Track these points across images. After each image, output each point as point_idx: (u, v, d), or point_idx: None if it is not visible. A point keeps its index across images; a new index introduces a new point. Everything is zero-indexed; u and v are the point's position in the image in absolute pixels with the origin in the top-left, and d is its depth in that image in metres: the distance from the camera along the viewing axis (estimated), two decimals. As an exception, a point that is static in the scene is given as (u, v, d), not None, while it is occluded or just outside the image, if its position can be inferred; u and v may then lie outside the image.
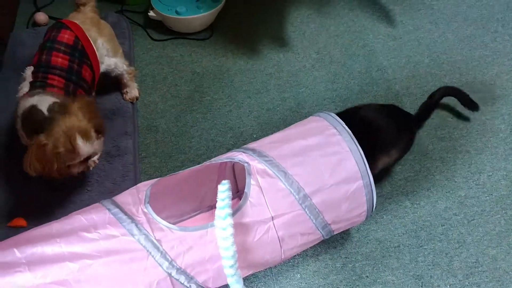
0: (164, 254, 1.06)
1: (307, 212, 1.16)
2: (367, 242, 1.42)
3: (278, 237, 1.15)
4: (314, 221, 1.18)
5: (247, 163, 1.18)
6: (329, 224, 1.21)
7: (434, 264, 1.36)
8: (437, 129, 1.63)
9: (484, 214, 1.44)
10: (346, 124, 1.23)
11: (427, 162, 1.56)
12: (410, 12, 2.05)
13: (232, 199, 1.50)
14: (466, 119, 1.65)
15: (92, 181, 1.56)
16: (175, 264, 1.07)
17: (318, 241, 1.29)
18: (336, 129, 1.23)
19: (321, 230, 1.22)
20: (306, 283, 1.36)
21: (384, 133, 1.40)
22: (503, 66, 1.81)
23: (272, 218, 1.13)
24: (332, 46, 1.95)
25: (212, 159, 1.28)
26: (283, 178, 1.14)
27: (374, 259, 1.39)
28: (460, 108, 1.66)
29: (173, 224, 1.42)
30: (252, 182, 1.14)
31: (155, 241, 1.07)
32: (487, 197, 1.47)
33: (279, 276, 1.38)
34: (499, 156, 1.55)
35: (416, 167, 1.55)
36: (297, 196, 1.14)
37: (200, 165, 1.27)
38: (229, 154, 1.26)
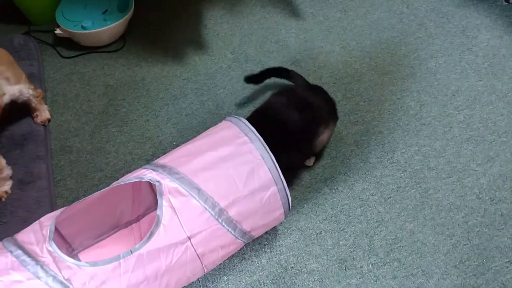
0: None
1: (225, 225, 1.15)
2: (290, 233, 1.42)
3: (198, 254, 1.14)
4: (233, 232, 1.18)
5: (158, 182, 1.15)
6: (248, 232, 1.22)
7: (355, 246, 1.38)
8: (350, 114, 1.67)
9: (399, 190, 1.48)
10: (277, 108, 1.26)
11: (342, 147, 1.59)
12: (320, 3, 2.09)
13: (153, 210, 1.48)
14: (378, 101, 1.70)
15: (6, 212, 1.49)
16: None
17: (241, 247, 1.28)
18: (247, 136, 1.22)
19: (241, 239, 1.22)
20: (233, 283, 1.35)
21: (321, 107, 1.44)
22: (410, 45, 1.87)
23: (189, 238, 1.11)
24: (247, 44, 1.95)
25: (120, 180, 1.24)
26: (196, 196, 1.12)
27: (298, 249, 1.39)
28: (367, 92, 1.70)
29: (92, 245, 1.41)
30: (164, 203, 1.11)
31: (64, 281, 1.02)
32: (402, 174, 1.51)
33: (206, 282, 1.36)
34: (411, 132, 1.60)
35: (332, 154, 1.57)
36: (212, 212, 1.13)
37: (107, 188, 1.23)
38: (138, 173, 1.21)
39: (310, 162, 1.54)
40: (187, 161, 1.19)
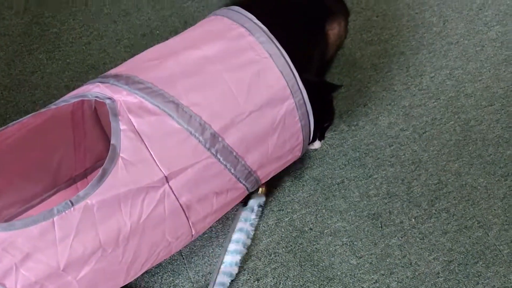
0: None
1: (220, 158, 0.76)
2: (303, 185, 1.06)
3: (181, 205, 0.75)
4: (232, 170, 0.79)
5: (109, 98, 0.74)
6: (254, 171, 0.83)
7: (390, 196, 1.05)
8: (362, 31, 1.30)
9: (435, 123, 1.15)
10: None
11: (357, 72, 1.22)
12: None
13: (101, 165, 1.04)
14: (393, 16, 1.34)
15: None
16: None
17: (242, 198, 0.90)
18: (244, 27, 0.82)
19: (244, 182, 0.83)
20: (231, 256, 0.97)
21: None
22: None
23: (167, 179, 0.73)
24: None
25: (52, 104, 0.81)
26: (174, 113, 0.73)
27: (315, 205, 1.03)
28: (379, 5, 1.34)
29: (18, 214, 0.94)
30: (122, 126, 0.71)
31: None
32: (435, 103, 1.18)
33: (192, 257, 0.97)
34: (438, 53, 1.27)
35: (346, 81, 1.21)
36: (201, 138, 0.74)
37: (29, 116, 0.78)
38: (79, 90, 0.81)
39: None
40: (155, 66, 0.79)
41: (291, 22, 1.01)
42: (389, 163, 1.09)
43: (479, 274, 0.97)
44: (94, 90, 0.77)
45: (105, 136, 1.00)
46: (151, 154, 0.72)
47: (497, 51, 1.29)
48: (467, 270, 0.98)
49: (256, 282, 0.95)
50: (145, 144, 0.72)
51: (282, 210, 1.03)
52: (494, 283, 0.96)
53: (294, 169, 1.07)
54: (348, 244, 0.99)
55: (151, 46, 1.23)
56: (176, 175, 0.74)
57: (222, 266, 0.94)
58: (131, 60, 0.85)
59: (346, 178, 1.07)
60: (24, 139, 0.84)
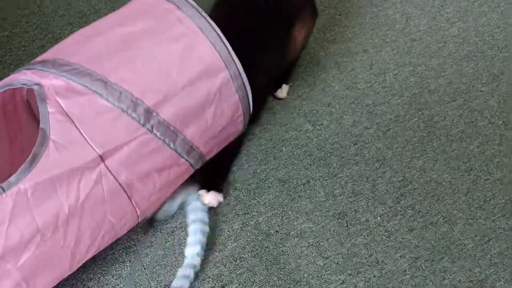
0: None
1: (157, 134, 0.75)
2: (268, 186, 1.04)
3: (120, 184, 0.74)
4: (172, 145, 0.77)
5: (37, 84, 0.72)
6: (196, 146, 0.81)
7: (355, 195, 1.04)
8: (326, 30, 1.29)
9: (399, 120, 1.15)
10: None
11: (321, 71, 1.21)
12: None
13: None
14: (356, 14, 1.34)
15: None
16: None
17: (188, 176, 0.88)
18: (172, 2, 0.81)
19: (186, 157, 0.81)
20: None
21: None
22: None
23: (102, 158, 0.71)
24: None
25: None
26: (103, 91, 0.72)
27: (281, 207, 1.01)
28: (343, 4, 1.34)
29: None
30: (50, 109, 0.70)
31: None
32: (399, 100, 1.18)
33: (154, 267, 0.93)
34: (401, 50, 1.27)
35: (310, 80, 1.20)
36: (134, 114, 0.73)
37: None
38: (5, 80, 0.77)
39: (282, 92, 1.15)
40: (81, 47, 0.77)
41: (254, 25, 0.99)
42: (353, 162, 1.08)
43: (445, 269, 0.97)
44: (21, 78, 0.74)
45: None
46: (82, 134, 0.70)
47: (459, 47, 1.30)
48: (434, 266, 0.97)
49: (222, 288, 0.93)
50: (75, 125, 0.70)
51: (248, 213, 1.01)
52: (459, 277, 0.96)
53: (259, 171, 1.05)
54: (315, 245, 0.98)
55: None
56: (112, 154, 0.72)
57: (184, 260, 0.91)
58: (58, 44, 0.82)
59: (312, 178, 1.06)
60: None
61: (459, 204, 1.04)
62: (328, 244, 0.98)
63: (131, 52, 0.75)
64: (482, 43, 1.31)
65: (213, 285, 0.92)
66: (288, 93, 1.16)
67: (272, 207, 1.02)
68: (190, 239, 0.92)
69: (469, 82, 1.23)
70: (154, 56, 0.75)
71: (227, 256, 0.95)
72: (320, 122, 1.13)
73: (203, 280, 0.92)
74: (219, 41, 0.79)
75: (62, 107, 0.70)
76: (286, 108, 1.15)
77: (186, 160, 0.80)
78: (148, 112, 0.73)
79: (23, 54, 1.18)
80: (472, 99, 1.20)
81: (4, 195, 0.64)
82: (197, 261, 0.91)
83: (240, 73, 0.81)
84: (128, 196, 0.75)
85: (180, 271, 0.90)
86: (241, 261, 0.95)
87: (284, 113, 1.14)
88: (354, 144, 1.11)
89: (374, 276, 0.95)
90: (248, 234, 0.98)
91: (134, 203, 0.77)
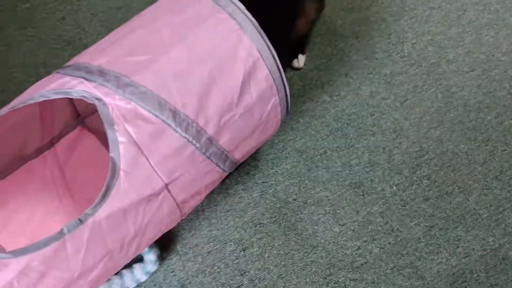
0: None
1: (213, 159, 0.77)
2: (286, 156, 1.06)
3: (178, 204, 0.78)
4: (222, 166, 0.80)
5: (98, 99, 0.70)
6: (238, 160, 0.85)
7: (372, 165, 1.06)
8: (343, -2, 1.28)
9: (417, 90, 1.15)
10: None
11: (338, 41, 1.21)
12: None
13: (73, 128, 1.04)
14: (373, -18, 1.32)
15: None
16: None
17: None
18: (232, 17, 0.78)
19: (228, 171, 0.85)
20: (218, 229, 0.98)
21: None
22: None
23: (166, 186, 0.73)
24: None
25: (26, 95, 0.77)
26: (172, 121, 0.71)
27: (298, 176, 1.04)
28: (364, -31, 1.31)
29: None
30: (120, 138, 0.69)
31: None
32: (417, 70, 1.18)
33: (181, 230, 0.98)
34: (419, 19, 1.26)
35: (327, 51, 1.19)
36: (198, 144, 0.74)
37: (5, 110, 0.75)
38: (57, 83, 0.74)
39: (299, 63, 1.15)
40: (145, 64, 0.73)
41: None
42: (370, 132, 1.10)
43: (459, 238, 1.00)
44: (79, 87, 0.71)
45: (71, 102, 0.99)
46: (150, 164, 0.71)
47: (479, 14, 1.28)
48: (448, 235, 1.00)
49: (243, 252, 0.97)
50: (145, 155, 0.70)
51: (266, 182, 1.03)
52: (473, 246, 0.99)
53: (277, 141, 1.07)
54: (331, 212, 1.01)
55: (127, 19, 1.21)
56: (175, 180, 0.74)
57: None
58: (107, 44, 0.78)
59: (329, 148, 1.08)
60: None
61: (475, 175, 1.06)
62: (344, 212, 1.01)
63: (195, 78, 0.74)
64: (504, 11, 1.29)
65: (235, 248, 0.96)
66: (305, 64, 1.16)
67: (290, 177, 1.04)
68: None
69: (488, 51, 1.22)
70: (216, 83, 0.74)
71: (247, 222, 0.99)
72: (337, 93, 1.14)
73: (225, 243, 0.97)
74: (275, 68, 0.79)
75: (132, 136, 0.69)
76: (303, 79, 1.15)
77: (228, 172, 0.85)
78: (210, 141, 0.75)
79: (46, 26, 1.19)
80: (491, 69, 1.19)
81: (82, 226, 0.67)
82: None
83: (287, 95, 0.83)
84: (180, 210, 0.80)
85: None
86: (260, 227, 0.99)
87: (301, 83, 1.15)
88: (371, 115, 1.12)
89: (389, 243, 0.98)
90: (267, 201, 1.01)
91: (182, 213, 0.82)
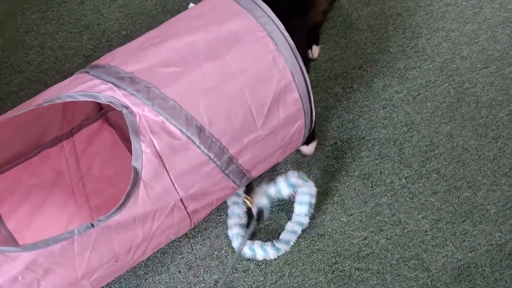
0: None
1: (231, 177, 0.79)
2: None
3: (188, 213, 0.80)
4: (238, 182, 0.82)
5: (126, 107, 0.71)
6: (254, 177, 0.88)
7: (382, 157, 1.07)
8: (359, -8, 1.28)
9: (429, 85, 1.16)
10: None
11: (353, 34, 1.21)
12: None
13: (94, 120, 1.06)
14: (390, -24, 1.32)
15: None
16: None
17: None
18: (270, 36, 0.77)
19: (242, 186, 0.89)
20: (227, 214, 0.99)
21: None
22: None
23: (181, 198, 0.75)
24: None
25: (51, 92, 0.78)
26: (196, 138, 0.72)
27: (308, 165, 1.05)
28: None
29: (2, 172, 0.95)
30: (145, 148, 0.70)
31: None
32: (430, 65, 1.18)
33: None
34: (435, 15, 1.26)
35: (342, 43, 1.20)
36: (218, 162, 0.75)
37: (32, 106, 0.76)
38: (87, 85, 0.74)
39: (313, 53, 1.16)
40: (177, 76, 0.73)
41: None
42: (382, 125, 1.10)
43: (466, 232, 1.01)
44: (108, 93, 0.71)
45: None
46: (170, 178, 0.72)
47: (495, 12, 1.27)
48: (454, 229, 1.01)
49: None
50: (166, 168, 0.71)
51: (276, 170, 1.05)
52: (479, 240, 1.00)
53: (288, 131, 1.09)
54: (339, 202, 1.02)
55: (145, 5, 1.23)
56: (189, 192, 0.76)
57: (293, 216, 0.97)
58: (144, 47, 0.77)
59: (339, 139, 1.09)
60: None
61: (484, 171, 1.06)
62: (352, 202, 1.02)
63: (225, 95, 0.73)
64: (520, 9, 1.28)
65: (242, 235, 0.98)
66: (319, 55, 1.17)
67: (299, 166, 1.05)
68: (299, 198, 0.95)
69: (503, 49, 1.21)
70: (245, 101, 0.75)
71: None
72: (350, 85, 1.15)
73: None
74: (305, 92, 0.79)
75: (155, 148, 0.70)
76: (316, 70, 1.16)
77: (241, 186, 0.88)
78: (230, 159, 0.76)
79: (64, 9, 1.21)
80: (505, 67, 1.19)
81: (92, 230, 0.69)
82: (305, 219, 0.95)
83: (312, 119, 0.83)
84: (190, 220, 0.81)
85: (289, 226, 0.96)
86: (269, 213, 1.00)
87: (315, 75, 1.16)
88: (383, 108, 1.12)
89: (396, 234, 0.99)
90: (276, 190, 1.03)
91: (192, 223, 0.84)
